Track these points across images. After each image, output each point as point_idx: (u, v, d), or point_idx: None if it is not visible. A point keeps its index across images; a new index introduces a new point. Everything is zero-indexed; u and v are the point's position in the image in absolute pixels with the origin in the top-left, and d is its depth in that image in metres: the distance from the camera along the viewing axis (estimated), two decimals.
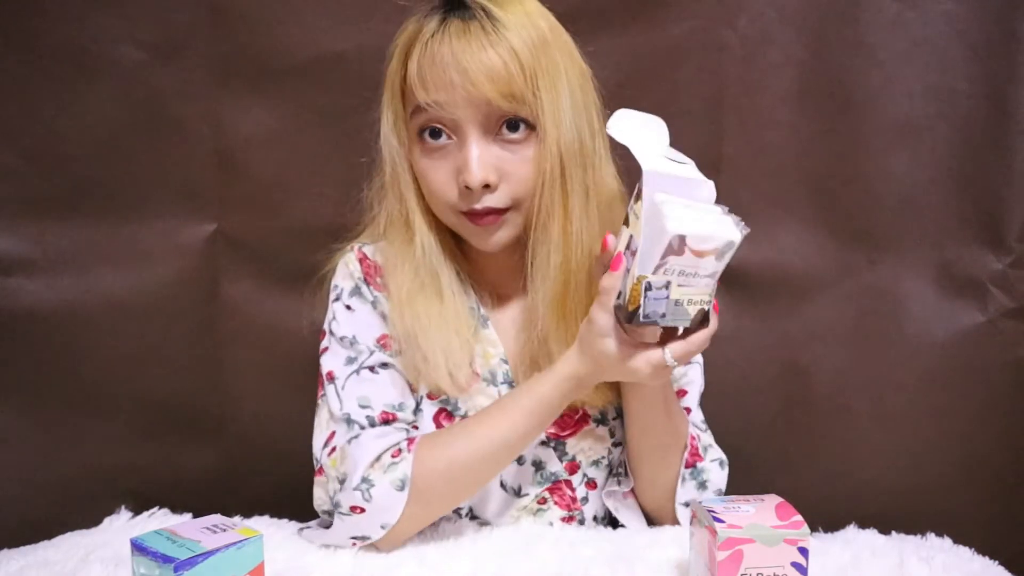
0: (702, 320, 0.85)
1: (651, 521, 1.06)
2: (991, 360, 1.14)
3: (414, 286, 0.98)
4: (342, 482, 0.94)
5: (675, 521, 1.02)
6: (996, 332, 1.13)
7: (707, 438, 1.06)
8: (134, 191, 1.19)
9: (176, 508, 1.09)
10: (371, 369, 0.99)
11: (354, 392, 0.98)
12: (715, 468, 1.03)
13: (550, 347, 0.97)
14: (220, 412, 1.23)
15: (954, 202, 1.14)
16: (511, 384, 1.03)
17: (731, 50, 1.16)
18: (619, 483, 1.04)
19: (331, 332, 1.01)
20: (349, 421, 0.96)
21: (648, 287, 0.80)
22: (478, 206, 0.94)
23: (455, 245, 1.03)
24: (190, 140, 1.18)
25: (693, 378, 1.08)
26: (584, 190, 0.95)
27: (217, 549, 0.76)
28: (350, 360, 0.99)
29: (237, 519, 0.99)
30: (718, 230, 0.79)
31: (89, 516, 1.08)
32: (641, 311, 0.82)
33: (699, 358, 1.09)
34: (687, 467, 1.01)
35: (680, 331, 0.88)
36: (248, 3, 1.16)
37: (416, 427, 1.00)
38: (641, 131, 0.88)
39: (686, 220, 0.79)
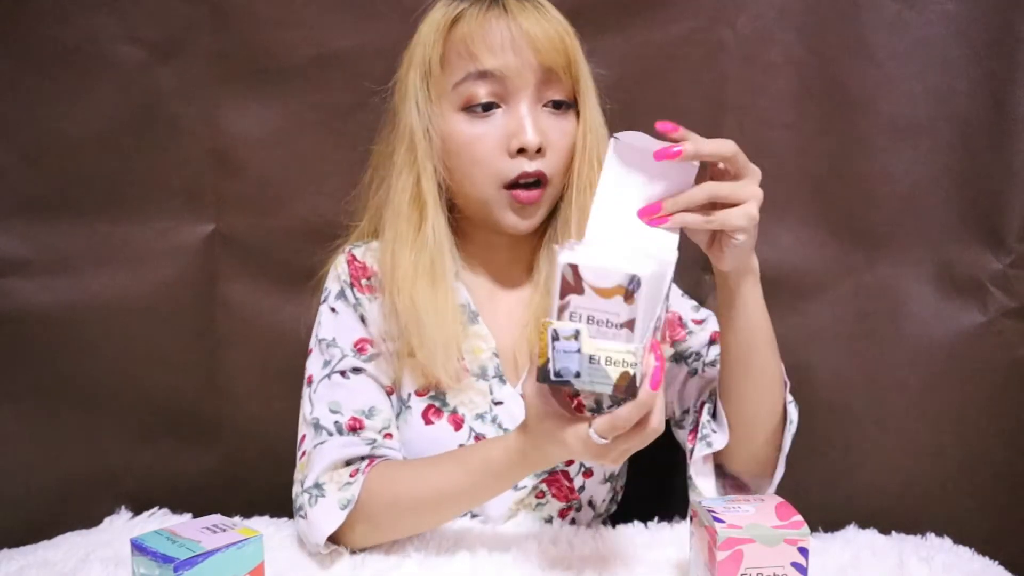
0: (628, 387, 0.72)
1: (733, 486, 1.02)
2: (991, 360, 1.14)
3: (417, 271, 0.99)
4: (302, 484, 0.96)
5: (771, 474, 0.99)
6: (996, 332, 1.13)
7: None
8: (132, 191, 1.18)
9: (176, 508, 1.09)
10: (342, 374, 1.00)
11: (325, 397, 0.99)
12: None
13: None
14: (219, 412, 1.23)
15: (954, 202, 1.14)
16: (502, 378, 1.03)
17: (731, 50, 1.16)
18: (709, 444, 0.97)
19: (315, 335, 1.03)
20: (318, 426, 0.98)
21: (555, 335, 0.70)
22: (530, 168, 0.97)
23: (455, 237, 1.04)
24: (188, 140, 1.18)
25: (707, 324, 1.07)
26: None
27: (217, 549, 0.76)
28: (325, 364, 1.00)
29: (237, 519, 0.99)
30: (621, 264, 0.69)
31: (89, 516, 1.08)
32: (552, 366, 0.73)
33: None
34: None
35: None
36: (247, 2, 1.15)
37: (389, 435, 0.99)
38: (630, 170, 0.82)
39: (585, 252, 0.71)
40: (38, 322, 1.17)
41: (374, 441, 0.97)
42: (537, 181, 0.98)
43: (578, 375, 0.72)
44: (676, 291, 1.11)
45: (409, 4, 1.09)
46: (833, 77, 1.15)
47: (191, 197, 1.19)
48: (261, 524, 1.03)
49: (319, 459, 0.95)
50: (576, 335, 0.70)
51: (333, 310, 1.03)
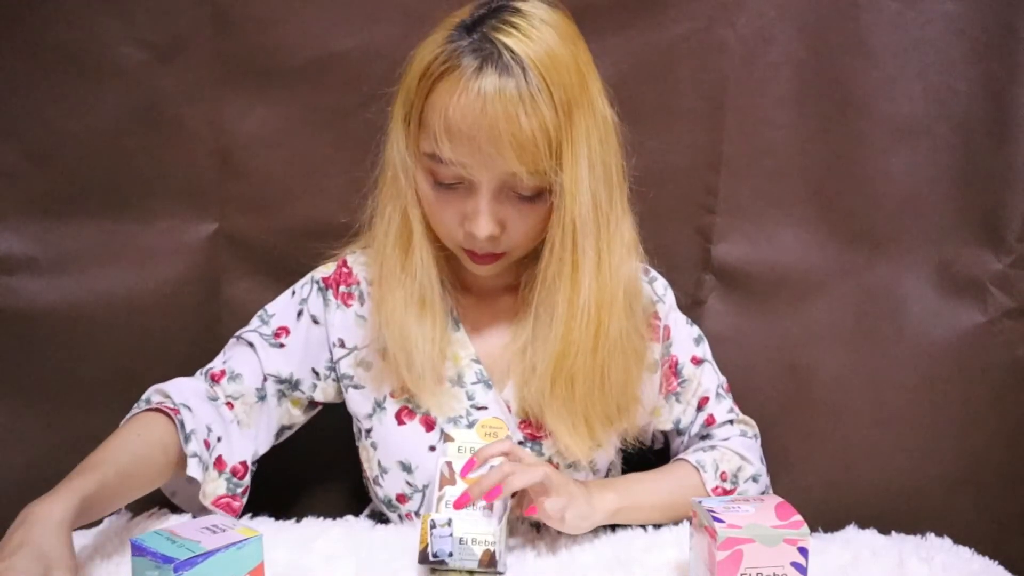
0: (489, 562, 0.88)
1: None
2: (991, 360, 1.14)
3: (405, 296, 0.99)
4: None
5: None
6: (996, 332, 1.13)
7: (736, 442, 1.10)
8: (136, 191, 1.19)
9: (176, 508, 1.09)
10: (249, 343, 1.06)
11: (229, 348, 1.08)
12: (751, 488, 1.09)
13: (545, 417, 1.00)
14: None
15: (954, 202, 1.14)
16: (487, 383, 1.04)
17: (731, 50, 1.16)
18: None
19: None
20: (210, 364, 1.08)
21: (433, 524, 0.87)
22: (480, 251, 0.96)
23: (443, 255, 1.03)
24: (192, 140, 1.18)
25: (702, 382, 1.10)
26: (596, 255, 0.93)
27: (217, 549, 0.77)
28: (250, 325, 1.08)
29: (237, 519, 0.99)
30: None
31: None
32: (430, 549, 0.88)
33: (707, 354, 1.12)
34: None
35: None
36: (250, 3, 1.16)
37: (230, 405, 1.04)
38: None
39: (455, 454, 0.91)
40: (44, 320, 1.18)
41: (216, 398, 1.04)
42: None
43: (451, 554, 0.88)
44: (681, 318, 1.11)
45: (410, 6, 1.09)
46: (833, 77, 1.15)
47: (195, 196, 1.20)
48: (261, 524, 1.03)
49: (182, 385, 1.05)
50: (449, 522, 0.88)
51: (293, 293, 1.09)
